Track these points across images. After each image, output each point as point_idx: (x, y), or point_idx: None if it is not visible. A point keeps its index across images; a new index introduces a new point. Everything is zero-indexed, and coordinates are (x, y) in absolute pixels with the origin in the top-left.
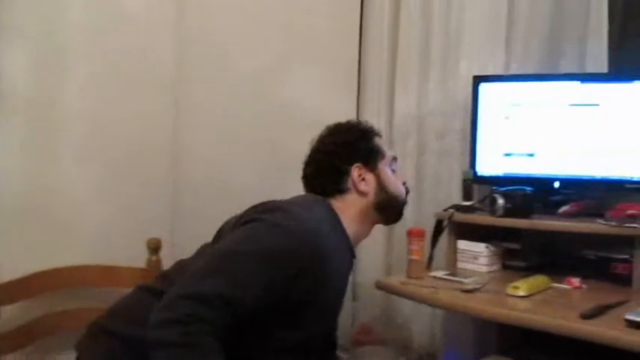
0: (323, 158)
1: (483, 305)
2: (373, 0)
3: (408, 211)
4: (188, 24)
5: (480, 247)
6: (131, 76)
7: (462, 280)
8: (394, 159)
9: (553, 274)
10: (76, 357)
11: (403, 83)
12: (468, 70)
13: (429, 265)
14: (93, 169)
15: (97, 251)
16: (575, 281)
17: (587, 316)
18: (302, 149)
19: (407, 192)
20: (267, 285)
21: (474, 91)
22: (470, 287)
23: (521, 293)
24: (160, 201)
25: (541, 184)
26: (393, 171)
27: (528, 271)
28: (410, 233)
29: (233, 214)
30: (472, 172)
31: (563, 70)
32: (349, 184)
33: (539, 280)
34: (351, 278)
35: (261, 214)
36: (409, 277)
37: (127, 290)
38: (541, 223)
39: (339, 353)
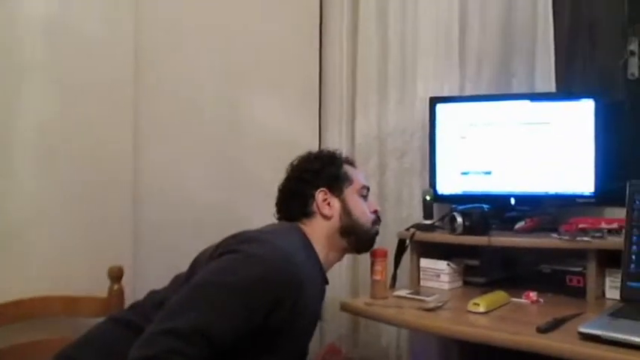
0: (291, 184)
1: (445, 324)
2: (332, 23)
3: None
4: (146, 42)
5: (442, 265)
6: (89, 96)
7: (424, 298)
8: (365, 188)
9: (511, 288)
10: None
11: (363, 104)
12: (424, 91)
13: (392, 284)
14: (48, 193)
15: (56, 280)
16: (533, 295)
17: (543, 330)
18: (264, 169)
19: (378, 220)
20: (245, 316)
21: (431, 112)
22: (432, 305)
23: (481, 310)
24: (119, 226)
25: (498, 201)
26: (364, 198)
27: (488, 286)
28: (373, 254)
29: (195, 236)
30: (432, 191)
31: (515, 89)
32: (314, 207)
33: (498, 296)
34: None
35: (237, 246)
36: (373, 297)
37: (90, 320)
38: (499, 239)
39: None
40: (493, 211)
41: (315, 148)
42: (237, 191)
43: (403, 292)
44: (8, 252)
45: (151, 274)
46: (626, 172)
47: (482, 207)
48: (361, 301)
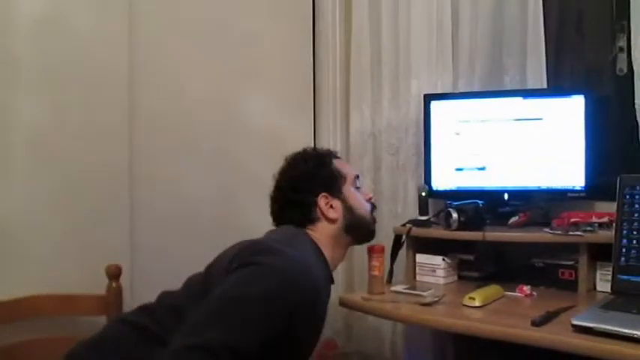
0: (287, 194)
1: (442, 318)
2: (325, 21)
3: None
4: (140, 41)
5: (438, 260)
6: (84, 96)
7: (421, 293)
8: (357, 178)
9: (505, 282)
10: None
11: (357, 101)
12: (418, 88)
13: (389, 279)
14: (44, 192)
15: (54, 278)
16: (526, 289)
17: (537, 323)
18: (260, 168)
19: (374, 207)
20: (269, 328)
21: (425, 109)
22: (429, 300)
23: (477, 304)
24: (116, 224)
25: (492, 196)
26: (358, 188)
27: (482, 280)
28: (370, 250)
29: (191, 234)
30: (427, 187)
31: (508, 85)
32: (318, 213)
33: (492, 290)
34: None
35: (253, 257)
36: (371, 292)
37: (88, 318)
38: (493, 234)
39: None
40: (487, 206)
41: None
42: (233, 188)
43: (400, 288)
44: (6, 251)
45: (149, 271)
46: (615, 166)
47: (477, 203)
48: (359, 296)
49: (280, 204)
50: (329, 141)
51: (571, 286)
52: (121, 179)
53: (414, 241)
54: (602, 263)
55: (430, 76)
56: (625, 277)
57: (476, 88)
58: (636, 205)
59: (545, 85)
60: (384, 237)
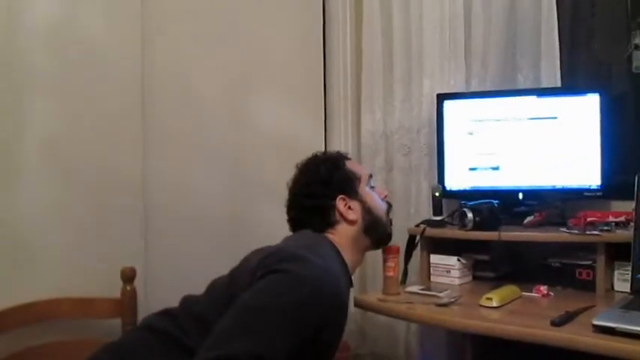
0: (305, 201)
1: (460, 318)
2: (335, 22)
3: None
4: (153, 46)
5: (452, 261)
6: (97, 101)
7: (436, 294)
8: (370, 177)
9: (521, 282)
10: None
11: (369, 102)
12: (431, 88)
13: (403, 280)
14: (58, 197)
15: (69, 282)
16: (543, 289)
17: (556, 324)
18: (272, 172)
19: (389, 206)
20: (296, 339)
21: (439, 109)
22: (445, 301)
23: (494, 304)
24: (130, 228)
25: (506, 196)
26: (372, 187)
27: (498, 281)
28: (385, 250)
29: (204, 237)
30: (441, 187)
31: (521, 84)
32: (337, 216)
33: (509, 290)
34: None
35: (278, 265)
36: (386, 293)
37: (103, 322)
38: (509, 234)
39: None
40: (502, 206)
41: (320, 147)
42: (245, 191)
43: (415, 288)
44: (22, 255)
45: (163, 274)
46: (632, 164)
47: (492, 202)
48: (374, 297)
49: (298, 211)
50: (340, 142)
51: (588, 286)
52: (135, 182)
53: (428, 242)
54: (619, 263)
55: (443, 76)
56: None
57: (489, 88)
58: None
59: (559, 84)
60: (397, 238)
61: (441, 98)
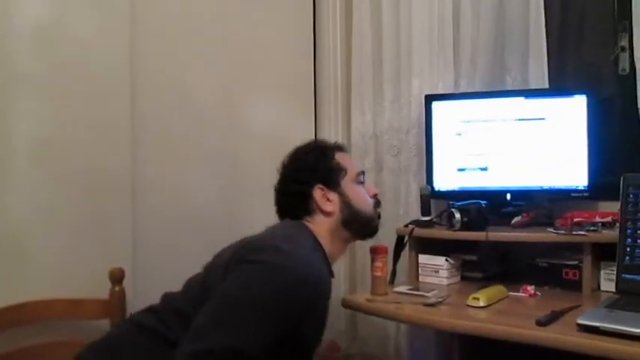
0: (287, 185)
1: (447, 318)
2: (325, 22)
3: None
4: (142, 46)
5: (441, 261)
6: (86, 101)
7: (424, 294)
8: (361, 173)
9: (509, 282)
10: None
11: (358, 102)
12: (419, 88)
13: (392, 280)
14: (47, 197)
15: (58, 283)
16: (530, 289)
17: (542, 323)
18: (262, 168)
19: (378, 204)
20: (274, 330)
21: (427, 110)
22: (432, 301)
23: (481, 304)
24: (119, 228)
25: (494, 196)
26: (362, 184)
27: (486, 281)
28: (373, 250)
29: (194, 236)
30: (429, 187)
31: (510, 85)
32: (313, 205)
33: (496, 290)
34: None
35: (255, 255)
36: (374, 293)
37: (92, 322)
38: (496, 234)
39: None
40: (490, 206)
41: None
42: (235, 190)
43: (403, 288)
44: (10, 256)
45: (152, 274)
46: (618, 166)
47: (480, 203)
48: (362, 297)
49: (281, 195)
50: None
51: (575, 285)
52: (124, 183)
53: (416, 242)
54: (605, 263)
55: (431, 77)
56: (629, 276)
57: (477, 89)
58: None
59: (547, 85)
60: (386, 238)
61: (429, 99)
